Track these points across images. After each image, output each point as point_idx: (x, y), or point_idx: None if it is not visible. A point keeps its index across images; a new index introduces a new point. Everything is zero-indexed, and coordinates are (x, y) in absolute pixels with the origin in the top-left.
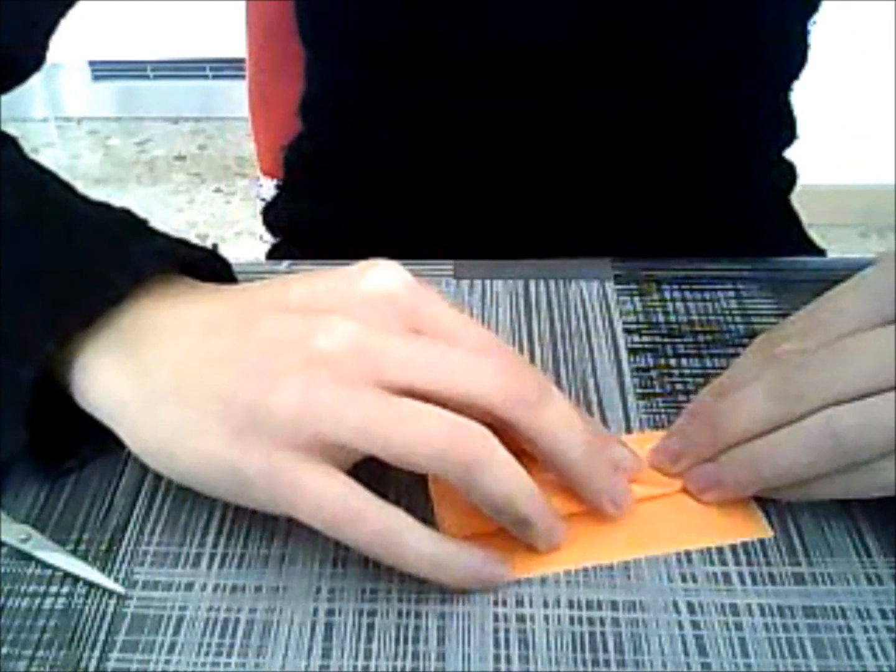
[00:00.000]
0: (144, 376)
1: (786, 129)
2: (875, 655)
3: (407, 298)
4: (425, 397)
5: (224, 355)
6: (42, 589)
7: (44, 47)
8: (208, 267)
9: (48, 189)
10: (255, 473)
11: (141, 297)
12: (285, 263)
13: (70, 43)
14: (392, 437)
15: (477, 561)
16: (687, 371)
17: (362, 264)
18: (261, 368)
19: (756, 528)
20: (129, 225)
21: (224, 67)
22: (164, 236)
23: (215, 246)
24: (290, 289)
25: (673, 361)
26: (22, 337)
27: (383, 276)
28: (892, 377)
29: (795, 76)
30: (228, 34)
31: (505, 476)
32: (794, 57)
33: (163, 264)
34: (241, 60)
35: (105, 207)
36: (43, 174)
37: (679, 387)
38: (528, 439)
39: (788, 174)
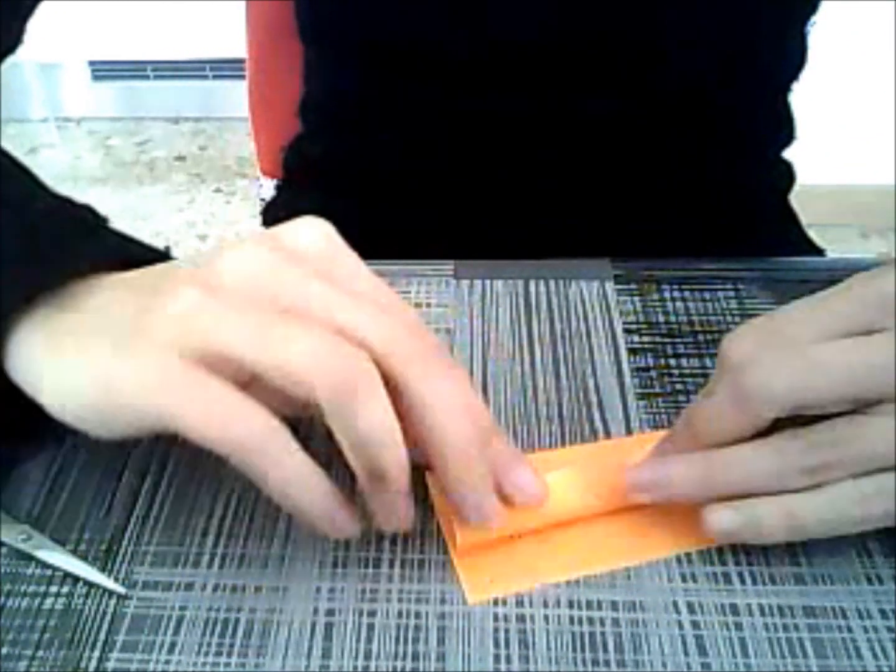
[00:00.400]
0: (56, 338)
1: (784, 130)
2: (875, 655)
3: (324, 252)
4: None
5: (130, 299)
6: (42, 589)
7: (20, 30)
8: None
9: (4, 175)
10: (131, 382)
11: (80, 285)
12: None
13: (70, 43)
14: (275, 349)
15: (330, 502)
16: (687, 371)
17: (293, 221)
18: (158, 291)
19: None
20: (85, 221)
21: (224, 67)
22: (120, 235)
23: (167, 248)
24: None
25: (673, 361)
26: None
27: (307, 230)
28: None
29: (794, 77)
30: (228, 34)
31: (375, 415)
32: (793, 58)
33: (108, 260)
34: (241, 60)
35: (67, 202)
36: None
37: (679, 387)
38: (409, 403)
39: (787, 174)
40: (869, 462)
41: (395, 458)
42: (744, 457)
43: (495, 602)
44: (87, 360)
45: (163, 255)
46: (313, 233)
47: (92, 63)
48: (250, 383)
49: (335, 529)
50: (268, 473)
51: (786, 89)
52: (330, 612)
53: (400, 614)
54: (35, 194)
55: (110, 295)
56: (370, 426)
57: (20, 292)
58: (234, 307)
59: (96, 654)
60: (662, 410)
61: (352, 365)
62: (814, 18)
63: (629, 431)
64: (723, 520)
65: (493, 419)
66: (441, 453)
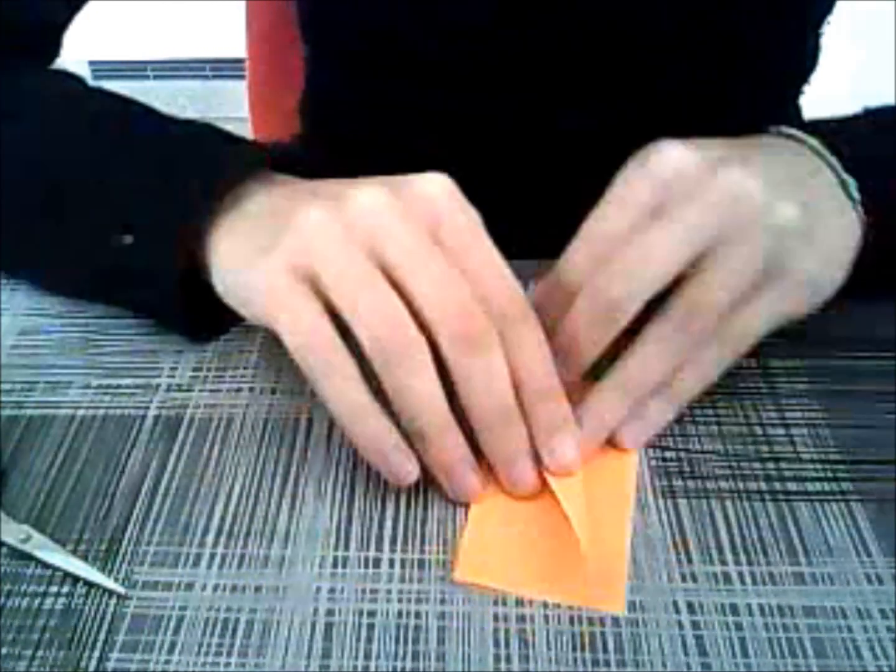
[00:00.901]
0: (225, 243)
1: None
2: (875, 655)
3: (438, 208)
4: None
5: (287, 206)
6: (42, 589)
7: (59, 39)
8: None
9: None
10: (257, 286)
11: (256, 180)
12: None
13: (70, 43)
14: (355, 302)
15: (389, 438)
16: None
17: (426, 173)
18: (296, 204)
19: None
20: (226, 134)
21: (224, 67)
22: (254, 142)
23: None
24: (362, 178)
25: None
26: (161, 219)
27: (429, 184)
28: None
29: (806, 79)
30: (228, 34)
31: (415, 383)
32: (805, 60)
33: (262, 158)
34: (241, 60)
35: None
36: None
37: None
38: (453, 380)
39: None
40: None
41: (432, 423)
42: (645, 357)
43: (495, 602)
44: (236, 269)
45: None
46: (434, 187)
47: (92, 63)
48: None
49: (387, 467)
50: (328, 400)
51: (797, 91)
52: (330, 612)
53: (400, 614)
54: (172, 119)
55: (264, 202)
56: (409, 392)
57: (217, 191)
58: (344, 245)
59: (96, 654)
60: None
61: (402, 335)
62: (828, 18)
63: None
64: (639, 438)
65: (547, 381)
66: (476, 428)
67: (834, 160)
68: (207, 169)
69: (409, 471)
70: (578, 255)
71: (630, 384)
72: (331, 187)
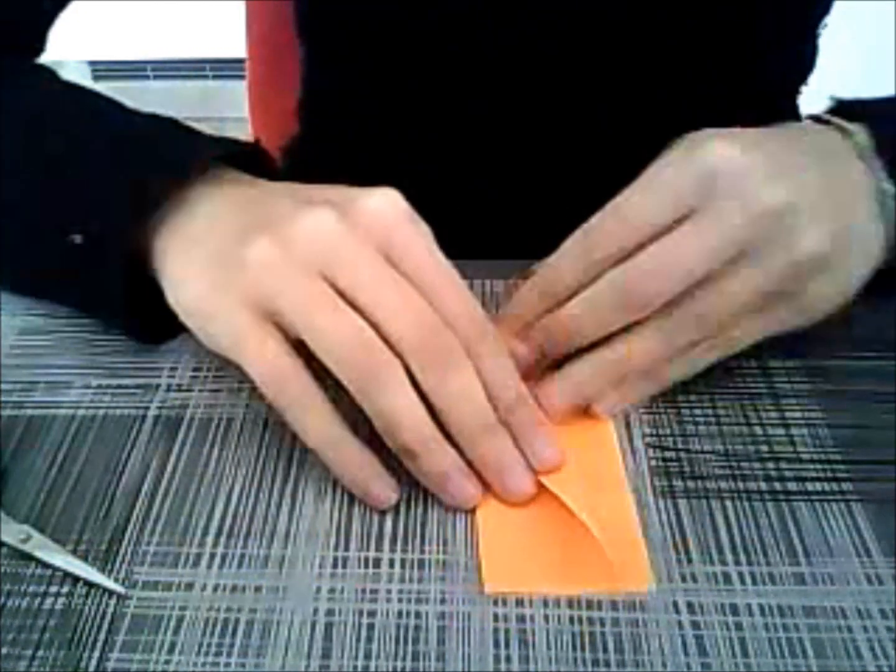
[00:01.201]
0: (185, 247)
1: None
2: (875, 655)
3: (388, 224)
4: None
5: (236, 226)
6: (42, 589)
7: (44, 35)
8: (255, 160)
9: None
10: (221, 326)
11: (205, 181)
12: None
13: (70, 43)
14: (321, 331)
15: (367, 466)
16: None
17: (372, 189)
18: (248, 231)
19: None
20: (185, 127)
21: (224, 67)
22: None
23: (258, 140)
24: (310, 190)
25: None
26: (113, 207)
27: (377, 200)
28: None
29: (804, 80)
30: (228, 34)
31: (394, 401)
32: (803, 61)
33: (224, 150)
34: (241, 60)
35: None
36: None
37: (679, 386)
38: (430, 401)
39: None
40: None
41: (417, 438)
42: (642, 343)
43: (495, 602)
44: (191, 291)
45: (257, 150)
46: (382, 204)
47: (92, 63)
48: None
49: (365, 493)
50: (301, 434)
51: (795, 92)
52: (330, 612)
53: (400, 614)
54: (135, 112)
55: (211, 211)
56: (390, 411)
57: (164, 191)
58: (297, 277)
59: (96, 654)
60: (662, 410)
61: (374, 357)
62: (825, 20)
63: (629, 430)
64: (612, 408)
65: (516, 390)
66: (463, 446)
67: (878, 164)
68: (155, 168)
69: (390, 496)
70: (605, 228)
71: (617, 364)
72: (278, 206)
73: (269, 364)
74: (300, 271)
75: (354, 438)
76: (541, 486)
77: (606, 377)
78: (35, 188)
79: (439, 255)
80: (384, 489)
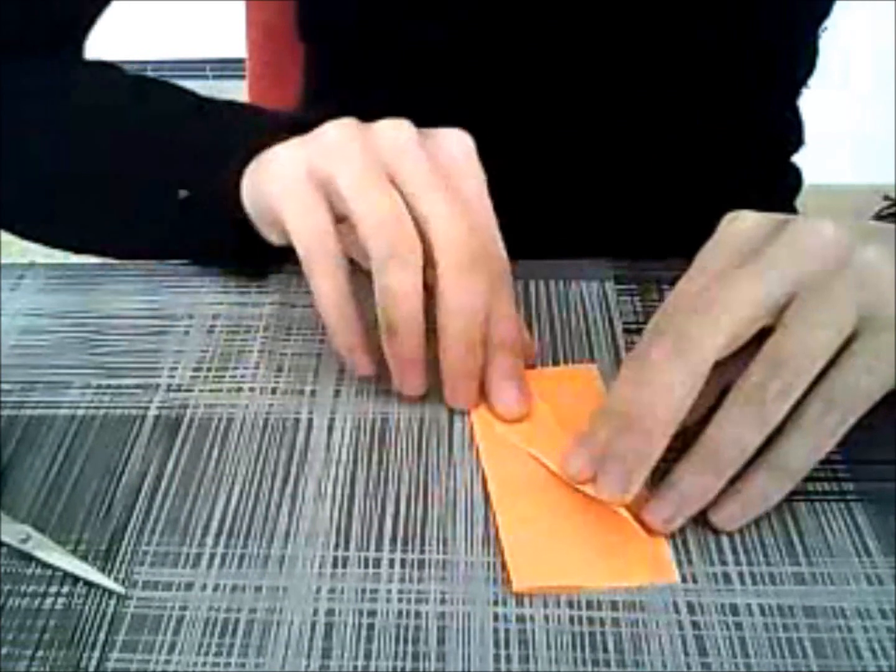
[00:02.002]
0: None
1: (794, 135)
2: (875, 655)
3: (456, 159)
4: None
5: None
6: (42, 589)
7: (86, 31)
8: None
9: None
10: (279, 176)
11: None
12: (286, 264)
13: None
14: (366, 198)
15: (359, 336)
16: None
17: (444, 129)
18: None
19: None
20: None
21: (224, 67)
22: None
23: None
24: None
25: None
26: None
27: (453, 136)
28: None
29: (805, 82)
30: (228, 34)
31: (402, 277)
32: (804, 64)
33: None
34: (241, 60)
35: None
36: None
37: None
38: (437, 298)
39: (795, 179)
40: (812, 362)
41: (403, 318)
42: (727, 427)
43: (495, 602)
44: (260, 162)
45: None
46: (458, 136)
47: None
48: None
49: (349, 355)
50: (314, 287)
51: (796, 94)
52: (330, 612)
53: (400, 614)
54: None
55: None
56: (394, 286)
57: (258, 142)
58: (365, 156)
59: (96, 654)
60: None
61: (403, 234)
62: (826, 23)
63: None
64: (735, 517)
65: (511, 335)
66: (441, 346)
67: None
68: (246, 129)
69: (371, 370)
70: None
71: (715, 454)
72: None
73: (309, 223)
74: (368, 154)
75: (357, 315)
76: (559, 481)
77: (711, 475)
78: (136, 155)
79: (487, 201)
80: (368, 363)
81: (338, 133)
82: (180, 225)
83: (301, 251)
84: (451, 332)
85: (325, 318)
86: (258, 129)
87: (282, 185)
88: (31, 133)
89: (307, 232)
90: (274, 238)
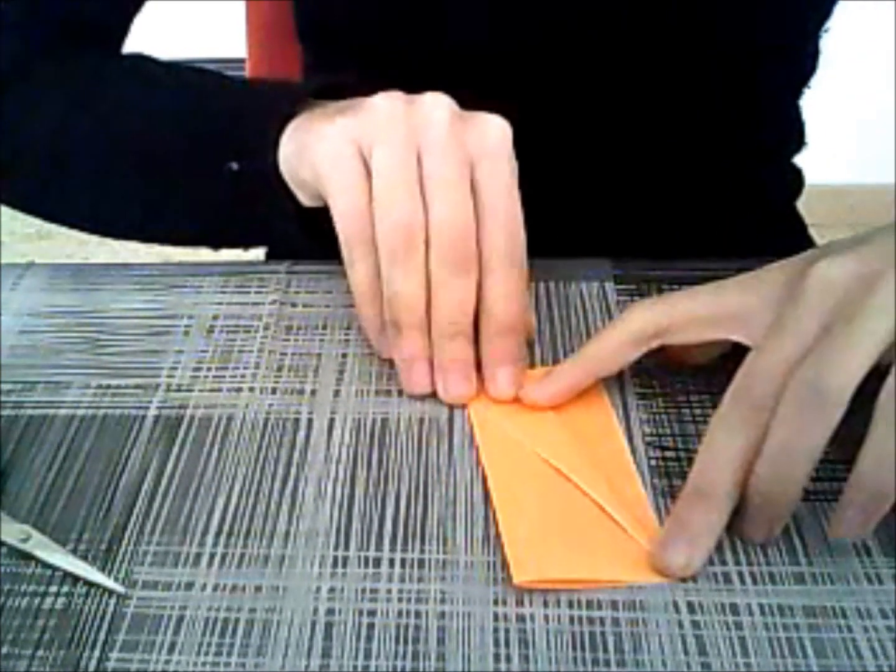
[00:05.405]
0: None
1: (795, 136)
2: (875, 655)
3: (490, 146)
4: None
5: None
6: (42, 589)
7: (126, 26)
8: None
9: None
10: (326, 147)
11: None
12: (286, 264)
13: None
14: (392, 191)
15: (381, 326)
16: (686, 370)
17: (485, 114)
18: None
19: None
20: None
21: (224, 67)
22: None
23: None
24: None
25: None
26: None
27: (491, 122)
28: None
29: (806, 83)
30: (228, 34)
31: (406, 282)
32: (805, 65)
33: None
34: (241, 60)
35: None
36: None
37: (679, 386)
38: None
39: (796, 180)
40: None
41: (407, 318)
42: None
43: (495, 602)
44: (302, 131)
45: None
46: (492, 129)
47: None
48: None
49: (377, 336)
50: (351, 273)
51: (797, 95)
52: (330, 612)
53: (400, 614)
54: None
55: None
56: (399, 286)
57: (295, 103)
58: (401, 135)
59: (96, 654)
60: (662, 410)
61: (410, 243)
62: (827, 24)
63: (629, 430)
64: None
65: (511, 319)
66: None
67: None
68: (283, 98)
69: (386, 352)
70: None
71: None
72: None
73: (350, 202)
74: (404, 134)
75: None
76: (562, 477)
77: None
78: (185, 139)
79: (514, 188)
80: (386, 347)
81: (387, 106)
82: (232, 195)
83: (341, 233)
84: (437, 324)
85: (356, 299)
86: (291, 94)
87: (330, 157)
88: (74, 118)
89: (349, 213)
90: (306, 201)
